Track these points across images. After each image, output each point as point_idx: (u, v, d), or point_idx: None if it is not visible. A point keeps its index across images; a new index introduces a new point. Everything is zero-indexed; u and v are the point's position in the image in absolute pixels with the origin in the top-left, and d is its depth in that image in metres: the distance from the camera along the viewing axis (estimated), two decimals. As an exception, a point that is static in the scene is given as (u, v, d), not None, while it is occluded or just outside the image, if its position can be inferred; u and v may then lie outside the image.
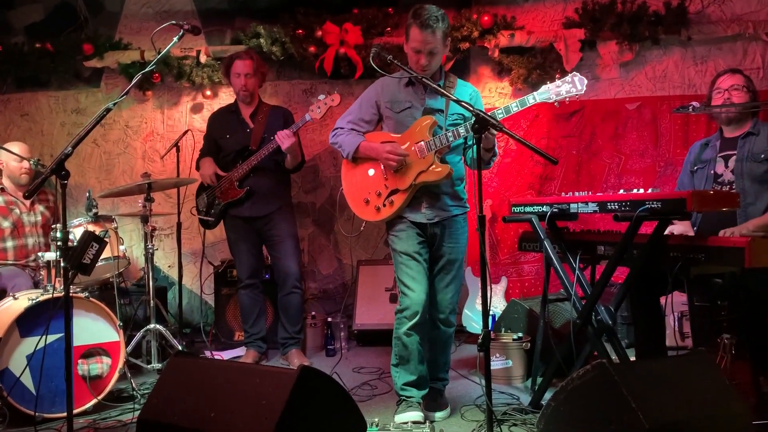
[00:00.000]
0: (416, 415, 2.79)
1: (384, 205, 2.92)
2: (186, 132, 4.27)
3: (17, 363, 2.90)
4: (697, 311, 3.31)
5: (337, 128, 3.09)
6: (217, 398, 1.83)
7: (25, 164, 3.84)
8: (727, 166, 3.09)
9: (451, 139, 2.77)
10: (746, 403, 2.11)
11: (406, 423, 2.65)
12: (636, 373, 2.00)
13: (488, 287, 2.40)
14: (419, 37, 2.78)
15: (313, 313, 4.48)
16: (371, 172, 2.99)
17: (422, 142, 2.82)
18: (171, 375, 2.03)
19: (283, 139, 3.63)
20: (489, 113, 2.55)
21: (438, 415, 2.95)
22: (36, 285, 3.56)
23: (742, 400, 2.13)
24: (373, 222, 3.04)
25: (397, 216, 2.92)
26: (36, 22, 5.18)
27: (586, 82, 2.63)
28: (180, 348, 3.58)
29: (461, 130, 2.74)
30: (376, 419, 2.57)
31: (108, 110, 2.67)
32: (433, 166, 2.81)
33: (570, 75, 2.64)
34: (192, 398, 1.88)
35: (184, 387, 1.95)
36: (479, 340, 2.36)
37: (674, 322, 3.87)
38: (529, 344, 3.45)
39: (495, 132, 2.59)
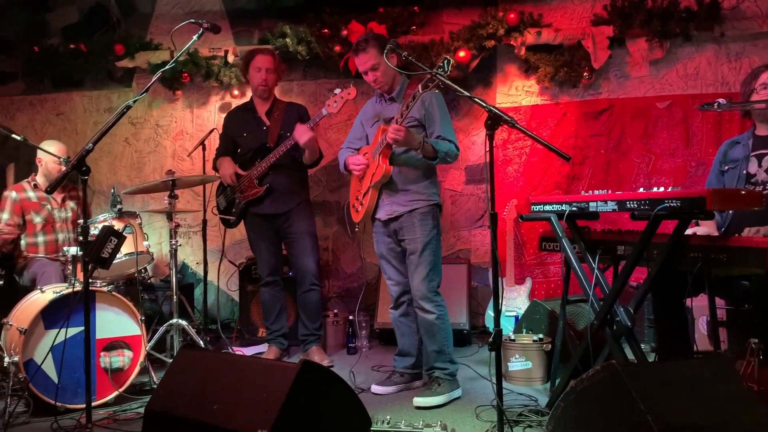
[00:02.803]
0: (379, 389, 3.30)
1: (361, 206, 3.34)
2: (212, 131, 4.34)
3: (42, 354, 2.98)
4: (730, 314, 3.23)
5: (341, 148, 3.58)
6: (220, 391, 1.85)
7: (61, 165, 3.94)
8: (760, 166, 2.98)
9: (384, 141, 3.09)
10: (766, 410, 2.03)
11: (418, 423, 2.63)
12: (647, 375, 1.94)
13: (500, 285, 2.37)
14: (357, 61, 3.27)
15: (336, 310, 4.50)
16: (354, 180, 3.46)
17: (373, 149, 3.24)
18: (178, 368, 2.06)
19: (302, 133, 3.64)
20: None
21: (418, 399, 3.06)
22: (65, 278, 3.66)
23: (764, 406, 2.05)
24: (358, 222, 3.40)
25: (372, 215, 3.34)
26: (72, 23, 5.33)
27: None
28: (202, 343, 3.62)
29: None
30: (388, 417, 2.56)
31: (128, 107, 2.74)
32: (378, 168, 3.18)
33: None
34: (196, 390, 1.91)
35: (189, 379, 1.97)
36: (490, 339, 2.33)
37: (703, 325, 3.76)
38: (550, 345, 3.40)
39: (397, 131, 2.96)
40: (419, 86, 2.87)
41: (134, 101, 2.75)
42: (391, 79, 3.28)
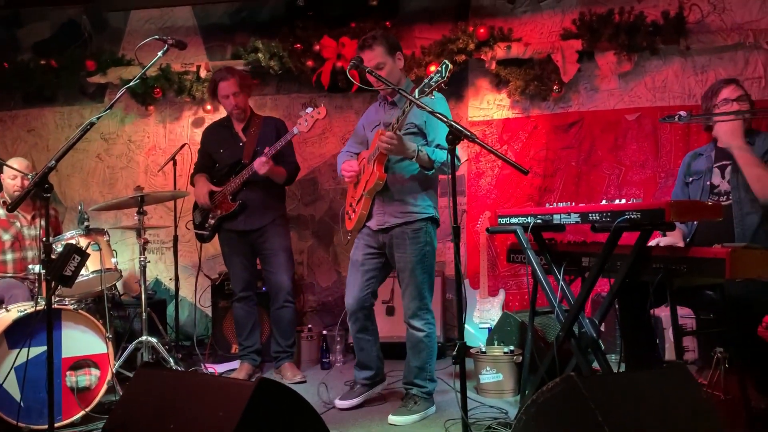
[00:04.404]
0: (344, 403, 3.27)
1: (354, 213, 3.24)
2: (183, 146, 4.32)
3: (5, 374, 2.92)
4: (699, 324, 3.26)
5: (341, 152, 3.50)
6: (177, 410, 1.83)
7: (18, 182, 3.89)
8: (723, 177, 3.03)
9: (379, 148, 2.98)
10: (724, 419, 2.05)
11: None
12: (606, 387, 1.95)
13: (463, 299, 2.37)
14: (362, 57, 3.09)
15: (310, 325, 4.49)
16: (350, 186, 3.37)
17: (369, 154, 3.15)
18: (136, 386, 2.04)
19: (259, 167, 3.65)
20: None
21: (393, 418, 3.04)
22: (33, 297, 3.61)
23: (721, 416, 2.07)
24: (351, 230, 3.29)
25: (364, 224, 3.24)
26: (43, 39, 5.29)
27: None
28: (172, 360, 3.59)
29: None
30: (355, 433, 2.55)
31: (92, 124, 2.72)
32: (372, 175, 3.08)
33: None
34: (154, 410, 1.89)
35: (147, 398, 1.95)
36: (454, 352, 2.33)
37: (674, 337, 3.78)
38: (520, 357, 3.41)
39: (390, 139, 2.84)
40: (416, 91, 2.74)
41: (98, 118, 2.72)
42: (395, 81, 3.09)
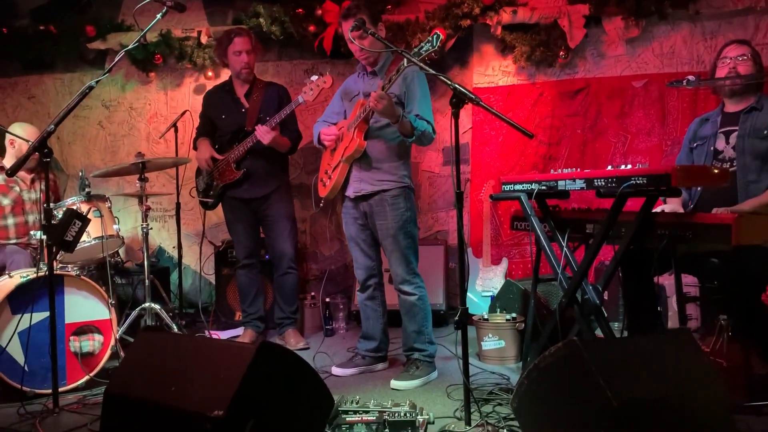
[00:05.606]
0: (340, 371, 3.29)
1: (329, 180, 3.27)
2: (184, 112, 4.28)
3: (7, 339, 2.93)
4: (702, 292, 3.25)
5: (317, 121, 3.50)
6: (179, 372, 1.83)
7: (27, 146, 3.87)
8: (728, 143, 2.99)
9: (361, 116, 3.05)
10: (727, 385, 2.04)
11: (387, 403, 2.63)
12: (608, 352, 1.95)
13: (466, 266, 2.36)
14: (345, 26, 3.13)
15: (313, 293, 4.49)
16: (326, 154, 3.39)
17: (350, 122, 3.18)
18: (138, 350, 2.04)
19: (263, 135, 3.62)
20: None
21: (396, 382, 3.06)
22: (35, 263, 3.61)
23: (723, 381, 2.07)
24: (324, 197, 3.34)
25: (340, 192, 3.28)
26: (41, 5, 5.20)
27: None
28: (175, 327, 3.60)
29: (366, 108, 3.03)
30: (357, 397, 2.56)
31: (91, 87, 2.71)
32: (351, 142, 3.11)
33: None
34: (155, 372, 1.89)
35: (149, 361, 1.95)
36: (455, 318, 2.33)
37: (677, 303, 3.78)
38: (522, 324, 3.41)
39: (380, 98, 2.83)
40: (404, 60, 2.76)
41: (97, 81, 2.70)
42: (377, 51, 3.13)
